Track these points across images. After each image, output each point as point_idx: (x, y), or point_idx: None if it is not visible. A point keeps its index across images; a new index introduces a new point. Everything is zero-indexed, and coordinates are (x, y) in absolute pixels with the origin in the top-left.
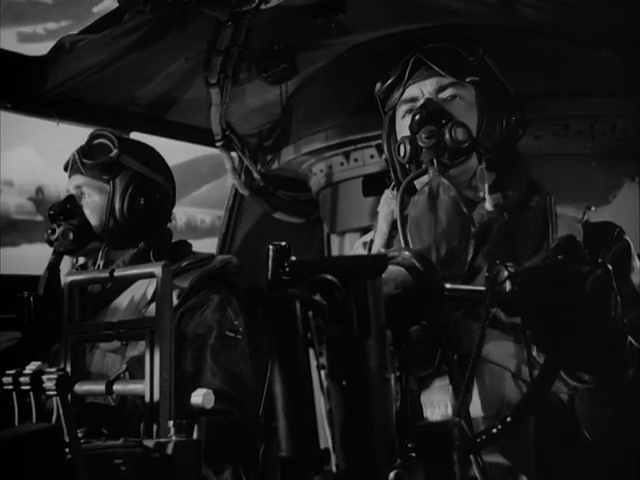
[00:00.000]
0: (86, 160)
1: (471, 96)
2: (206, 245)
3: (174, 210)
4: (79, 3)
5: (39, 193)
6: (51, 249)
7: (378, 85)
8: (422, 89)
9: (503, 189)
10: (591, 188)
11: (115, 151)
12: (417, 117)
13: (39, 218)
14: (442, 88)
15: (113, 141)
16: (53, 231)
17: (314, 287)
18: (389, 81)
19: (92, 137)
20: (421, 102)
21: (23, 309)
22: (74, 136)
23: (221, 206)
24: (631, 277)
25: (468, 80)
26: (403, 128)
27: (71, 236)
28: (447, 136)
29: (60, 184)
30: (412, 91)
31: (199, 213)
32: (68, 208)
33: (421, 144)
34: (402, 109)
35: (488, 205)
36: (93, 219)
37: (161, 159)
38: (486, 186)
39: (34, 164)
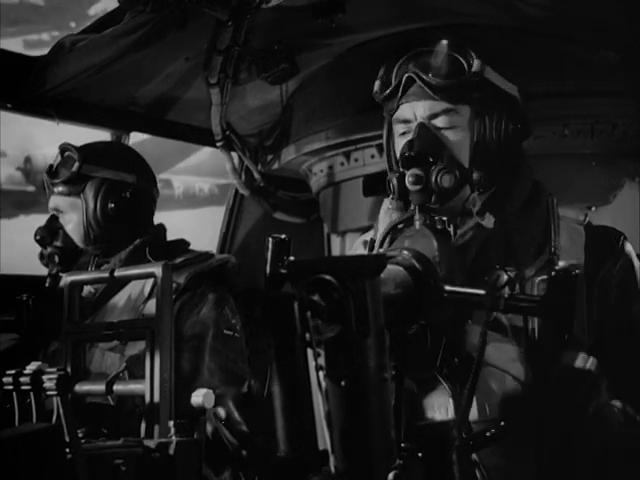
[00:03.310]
0: (53, 180)
1: (465, 120)
2: (207, 214)
3: (172, 178)
4: (76, 5)
5: (27, 163)
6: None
7: (375, 92)
8: (415, 112)
9: (502, 202)
10: (591, 188)
11: (76, 164)
12: (405, 155)
13: (30, 188)
14: (435, 115)
15: (73, 153)
16: (42, 256)
17: (312, 287)
18: (383, 94)
19: (58, 153)
20: (413, 132)
21: (22, 312)
22: None
23: (219, 174)
24: (638, 288)
25: (463, 102)
26: (399, 145)
27: (57, 259)
28: (433, 181)
29: (48, 153)
30: (405, 112)
31: (197, 181)
32: (51, 230)
33: (408, 186)
34: (397, 128)
35: (487, 222)
36: (75, 236)
37: (129, 156)
38: (475, 210)
39: (23, 133)
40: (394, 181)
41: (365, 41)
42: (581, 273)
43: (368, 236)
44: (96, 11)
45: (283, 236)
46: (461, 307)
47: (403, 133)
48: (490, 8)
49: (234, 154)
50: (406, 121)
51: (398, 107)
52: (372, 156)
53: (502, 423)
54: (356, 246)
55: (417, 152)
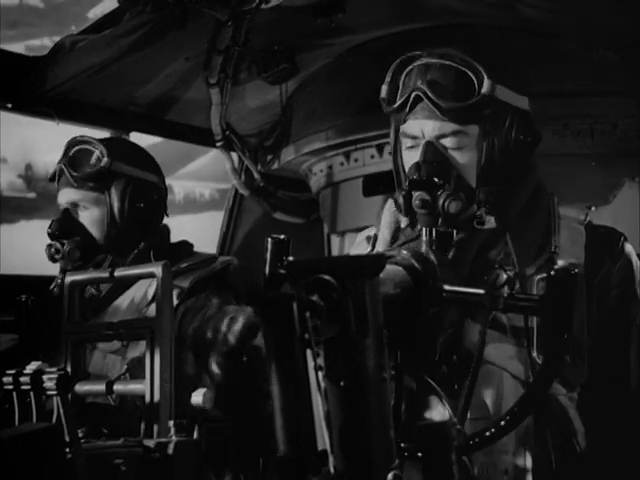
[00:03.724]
0: (76, 173)
1: (473, 140)
2: (207, 219)
3: (172, 183)
4: (75, 6)
5: (28, 170)
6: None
7: (382, 98)
8: (423, 130)
9: (505, 207)
10: (591, 187)
11: (105, 159)
12: (414, 177)
13: (31, 195)
14: (443, 135)
15: (99, 147)
16: (57, 250)
17: (311, 288)
18: (390, 108)
19: (74, 144)
20: (420, 149)
21: (21, 313)
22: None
23: (220, 179)
24: (636, 289)
25: (472, 123)
26: (406, 158)
27: (78, 254)
28: (440, 206)
29: (49, 161)
30: (413, 128)
31: (198, 186)
32: (67, 225)
33: (415, 209)
34: (405, 141)
35: (489, 223)
36: (95, 232)
37: (149, 156)
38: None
39: (24, 140)
40: (400, 199)
41: (365, 41)
42: (581, 272)
43: (372, 231)
44: (95, 13)
45: (282, 236)
46: (461, 306)
47: (411, 146)
48: (490, 8)
49: (234, 154)
50: (414, 137)
51: (405, 121)
52: (372, 156)
53: (502, 423)
54: (359, 241)
55: (425, 177)
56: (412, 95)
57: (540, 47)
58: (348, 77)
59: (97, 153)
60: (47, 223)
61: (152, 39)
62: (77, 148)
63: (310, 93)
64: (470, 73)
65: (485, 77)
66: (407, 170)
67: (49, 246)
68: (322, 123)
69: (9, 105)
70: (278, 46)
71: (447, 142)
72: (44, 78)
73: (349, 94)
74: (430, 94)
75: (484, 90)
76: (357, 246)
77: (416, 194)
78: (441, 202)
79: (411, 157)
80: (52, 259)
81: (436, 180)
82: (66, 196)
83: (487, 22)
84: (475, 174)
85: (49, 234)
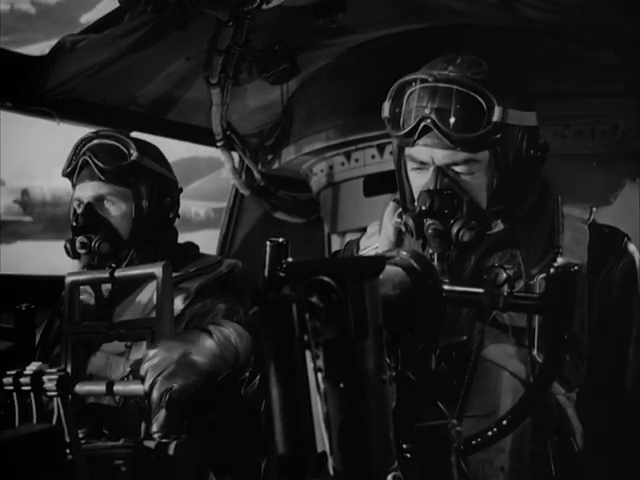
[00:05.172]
0: (106, 165)
1: (483, 165)
2: (201, 238)
3: None
4: (70, 9)
5: (25, 195)
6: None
7: (385, 117)
8: (432, 156)
9: (512, 211)
10: (592, 188)
11: (136, 153)
12: (425, 206)
13: (27, 219)
14: (455, 163)
15: (125, 142)
16: (83, 244)
17: (311, 289)
18: (398, 133)
19: (93, 138)
20: (430, 176)
21: (20, 321)
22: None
23: (216, 198)
24: (637, 289)
25: (483, 149)
26: (413, 179)
27: (107, 248)
28: (453, 235)
29: (45, 186)
30: (422, 155)
31: (194, 205)
32: (94, 219)
33: (427, 236)
34: (411, 164)
35: (496, 226)
36: (121, 227)
37: (164, 156)
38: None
39: (22, 164)
40: (411, 223)
41: (366, 41)
42: (581, 270)
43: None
44: (87, 19)
45: (281, 239)
46: (460, 306)
47: (419, 168)
48: (490, 9)
49: (234, 154)
50: (422, 162)
51: (413, 145)
52: (372, 156)
53: (504, 422)
54: (371, 233)
55: (437, 207)
56: (421, 125)
57: (540, 47)
58: (349, 77)
59: (124, 147)
60: (43, 244)
61: (153, 39)
62: (100, 142)
63: (311, 93)
64: (480, 99)
65: (495, 104)
66: (417, 196)
67: (71, 241)
68: (323, 123)
69: (9, 104)
70: (279, 46)
71: (458, 168)
72: (45, 78)
73: (350, 94)
74: (440, 124)
75: (495, 118)
76: (369, 237)
77: (428, 222)
78: (455, 232)
79: (419, 179)
80: (74, 254)
81: (448, 211)
82: (90, 190)
83: (488, 22)
84: (486, 196)
85: (74, 228)
